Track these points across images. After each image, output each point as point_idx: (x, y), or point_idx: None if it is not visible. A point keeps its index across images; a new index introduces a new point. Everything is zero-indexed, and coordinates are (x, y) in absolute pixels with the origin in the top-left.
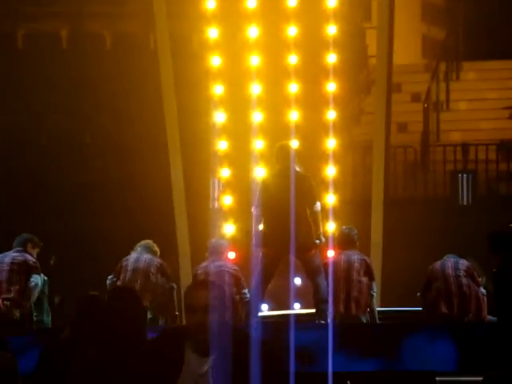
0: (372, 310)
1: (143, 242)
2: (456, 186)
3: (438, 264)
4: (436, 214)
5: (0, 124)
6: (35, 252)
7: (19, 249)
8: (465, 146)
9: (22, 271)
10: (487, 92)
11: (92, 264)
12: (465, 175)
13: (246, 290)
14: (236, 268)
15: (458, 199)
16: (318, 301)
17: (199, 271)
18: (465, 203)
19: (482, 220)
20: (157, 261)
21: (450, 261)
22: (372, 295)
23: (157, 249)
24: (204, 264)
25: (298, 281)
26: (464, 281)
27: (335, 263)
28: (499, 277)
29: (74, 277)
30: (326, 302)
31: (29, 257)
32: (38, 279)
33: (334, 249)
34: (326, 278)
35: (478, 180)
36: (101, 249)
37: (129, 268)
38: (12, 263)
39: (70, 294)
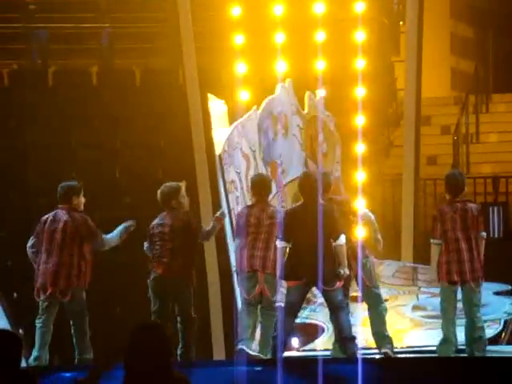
0: None
1: None
2: (486, 218)
3: None
4: None
5: (32, 160)
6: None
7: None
8: (495, 178)
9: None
10: None
11: (122, 299)
12: (495, 207)
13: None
14: None
15: (488, 232)
16: (344, 340)
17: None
18: (495, 236)
19: None
20: None
21: None
22: None
23: None
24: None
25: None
26: None
27: None
28: None
29: (104, 312)
30: (352, 340)
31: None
32: None
33: None
34: None
35: (508, 212)
36: (131, 283)
37: None
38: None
39: (99, 329)
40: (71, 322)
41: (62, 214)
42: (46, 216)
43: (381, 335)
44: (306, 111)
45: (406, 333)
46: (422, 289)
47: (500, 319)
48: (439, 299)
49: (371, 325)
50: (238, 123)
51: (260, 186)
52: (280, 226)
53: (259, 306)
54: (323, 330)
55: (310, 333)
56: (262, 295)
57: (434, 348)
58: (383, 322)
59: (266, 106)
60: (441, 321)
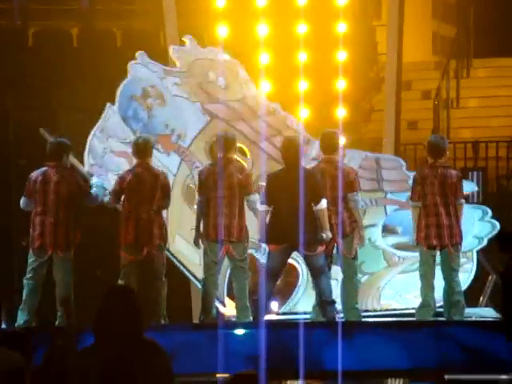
0: None
1: None
2: None
3: None
4: None
5: (12, 122)
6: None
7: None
8: (475, 143)
9: None
10: (498, 89)
11: (103, 261)
12: (475, 172)
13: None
14: None
15: (467, 197)
16: (324, 303)
17: None
18: (475, 201)
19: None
20: None
21: None
22: None
23: None
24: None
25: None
26: None
27: None
28: (506, 276)
29: (85, 275)
30: (332, 303)
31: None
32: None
33: None
34: None
35: (488, 177)
36: (111, 245)
37: None
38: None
39: (79, 292)
40: (58, 283)
41: (52, 174)
42: (35, 175)
43: (350, 307)
44: (178, 67)
45: (382, 278)
46: (388, 195)
47: (472, 251)
48: (407, 211)
49: (342, 295)
50: (94, 131)
51: (222, 143)
52: (248, 185)
53: (230, 269)
54: (298, 275)
55: (288, 278)
56: (230, 259)
57: (413, 311)
58: (355, 294)
59: (120, 95)
60: (414, 254)
